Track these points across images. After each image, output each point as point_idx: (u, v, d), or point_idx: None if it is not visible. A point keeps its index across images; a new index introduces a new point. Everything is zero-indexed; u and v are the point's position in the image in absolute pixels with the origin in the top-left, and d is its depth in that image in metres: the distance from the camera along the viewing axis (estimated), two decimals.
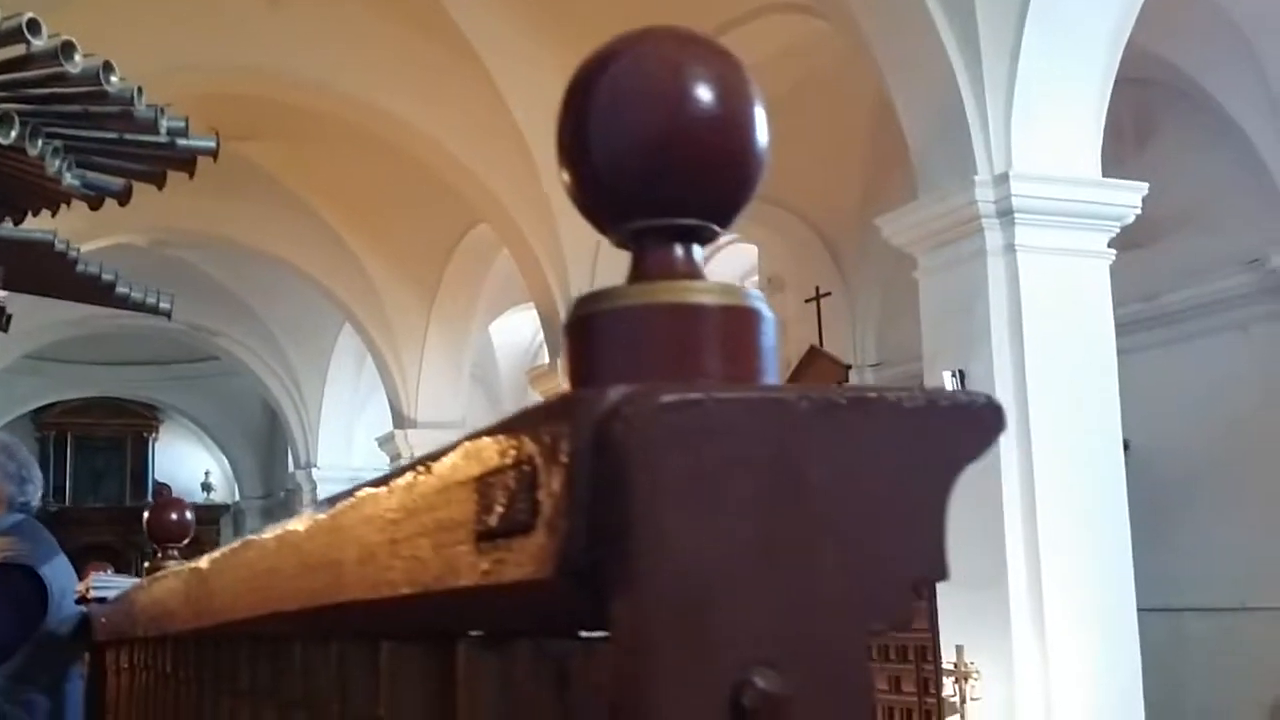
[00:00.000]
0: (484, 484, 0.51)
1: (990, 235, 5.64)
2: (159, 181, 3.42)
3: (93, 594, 2.86)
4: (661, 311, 0.51)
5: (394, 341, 12.33)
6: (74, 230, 9.77)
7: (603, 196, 0.53)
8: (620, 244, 0.53)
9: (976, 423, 0.47)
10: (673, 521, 0.43)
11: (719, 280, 0.52)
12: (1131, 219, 5.85)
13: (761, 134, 0.53)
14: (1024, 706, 5.36)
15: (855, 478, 0.45)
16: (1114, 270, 5.85)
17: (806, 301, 10.23)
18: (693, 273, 0.53)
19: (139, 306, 4.21)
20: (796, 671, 0.42)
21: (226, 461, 19.92)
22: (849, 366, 8.68)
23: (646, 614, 0.42)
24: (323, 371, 15.09)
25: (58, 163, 3.04)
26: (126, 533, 16.86)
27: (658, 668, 0.42)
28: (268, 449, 19.10)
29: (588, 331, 0.52)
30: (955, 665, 5.73)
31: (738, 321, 0.51)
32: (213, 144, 3.32)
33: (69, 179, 3.11)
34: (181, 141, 3.24)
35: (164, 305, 4.29)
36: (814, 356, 8.63)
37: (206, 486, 19.55)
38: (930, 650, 6.62)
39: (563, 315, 9.19)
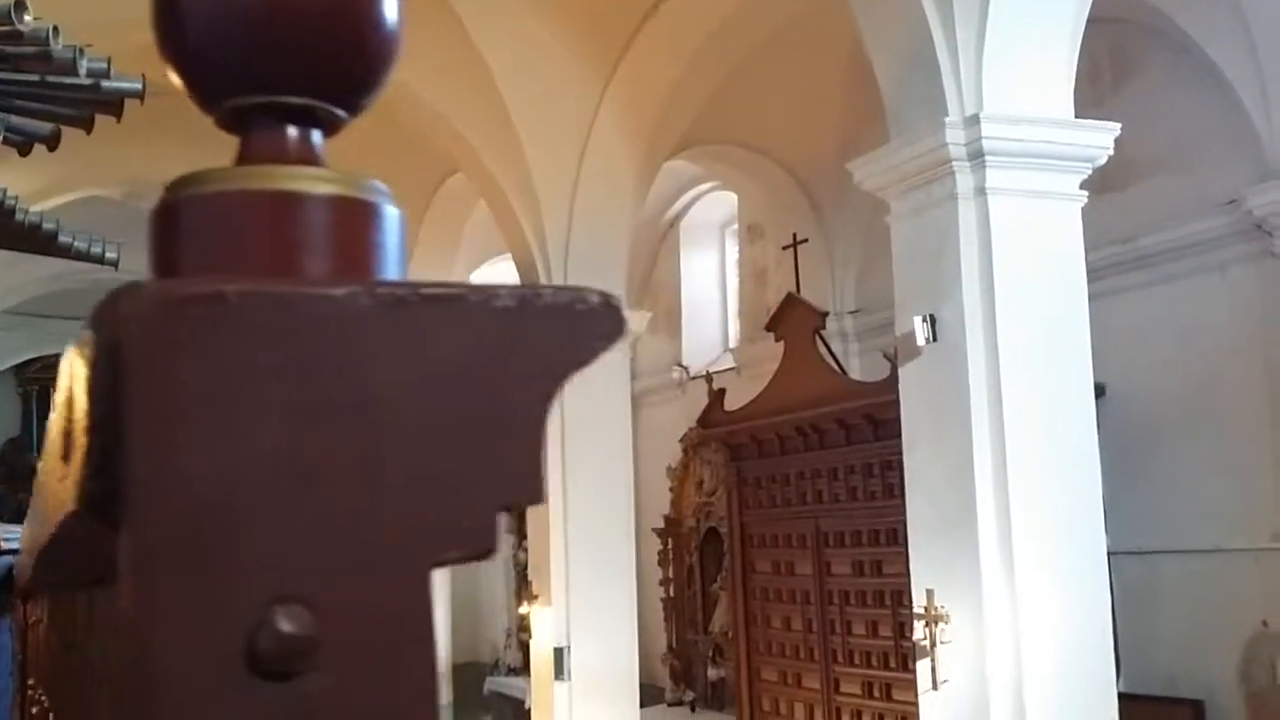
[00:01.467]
0: (65, 402, 0.44)
1: (961, 178, 5.56)
2: (86, 126, 3.33)
3: (5, 545, 2.80)
4: (255, 199, 0.43)
5: None
6: (41, 185, 9.68)
7: (198, 67, 0.46)
8: (224, 125, 0.46)
9: (584, 325, 0.40)
10: (180, 440, 0.36)
11: (340, 170, 0.45)
12: (1103, 160, 5.76)
13: (388, 7, 0.46)
14: (994, 650, 5.35)
15: (429, 387, 0.38)
16: (1091, 213, 5.77)
17: (784, 248, 10.15)
18: (306, 159, 0.45)
19: (83, 256, 4.12)
20: (333, 610, 0.36)
21: None
22: (826, 313, 8.60)
23: (145, 548, 0.36)
24: None
25: None
26: None
27: (159, 608, 0.35)
28: None
29: (173, 220, 0.45)
30: (926, 609, 5.71)
31: (346, 214, 0.44)
32: (139, 85, 3.22)
33: None
34: (106, 83, 3.15)
35: (110, 255, 4.20)
36: (791, 303, 8.55)
37: None
38: (907, 594, 6.61)
39: (539, 264, 9.09)
